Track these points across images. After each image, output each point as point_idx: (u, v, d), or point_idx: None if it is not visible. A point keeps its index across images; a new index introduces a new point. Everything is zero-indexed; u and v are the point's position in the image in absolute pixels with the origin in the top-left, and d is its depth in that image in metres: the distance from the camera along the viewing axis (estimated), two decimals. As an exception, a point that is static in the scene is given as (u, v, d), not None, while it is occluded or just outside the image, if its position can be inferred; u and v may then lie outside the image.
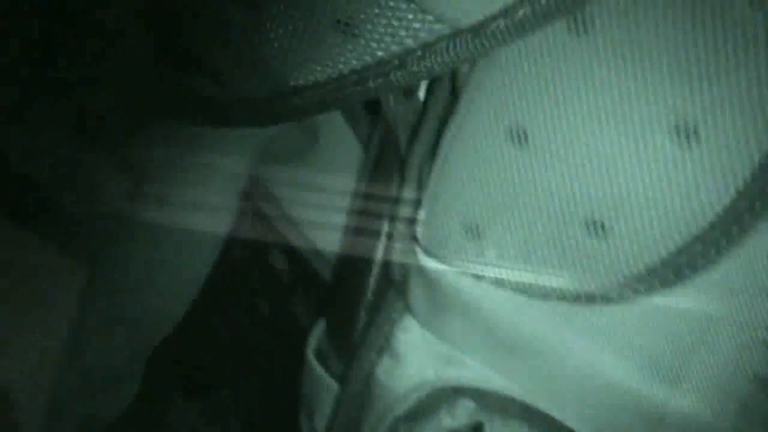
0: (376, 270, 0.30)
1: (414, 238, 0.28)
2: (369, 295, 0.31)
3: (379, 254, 0.30)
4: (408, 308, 0.30)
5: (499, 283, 0.27)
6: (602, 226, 0.25)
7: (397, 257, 0.29)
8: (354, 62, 0.26)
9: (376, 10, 0.25)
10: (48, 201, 0.40)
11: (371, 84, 0.25)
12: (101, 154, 0.40)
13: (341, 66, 0.26)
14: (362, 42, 0.25)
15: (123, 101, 0.37)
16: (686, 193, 0.24)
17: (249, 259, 0.38)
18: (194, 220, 0.37)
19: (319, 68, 0.26)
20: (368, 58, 0.25)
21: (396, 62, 0.25)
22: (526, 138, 0.25)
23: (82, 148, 0.41)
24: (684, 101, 0.23)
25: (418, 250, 0.28)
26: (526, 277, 0.26)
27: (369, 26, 0.25)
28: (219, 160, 0.37)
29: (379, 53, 0.25)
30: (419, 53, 0.24)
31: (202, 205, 0.37)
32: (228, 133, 0.36)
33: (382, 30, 0.25)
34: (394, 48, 0.25)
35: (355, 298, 0.31)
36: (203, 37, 0.29)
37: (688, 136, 0.23)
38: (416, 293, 0.29)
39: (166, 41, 0.31)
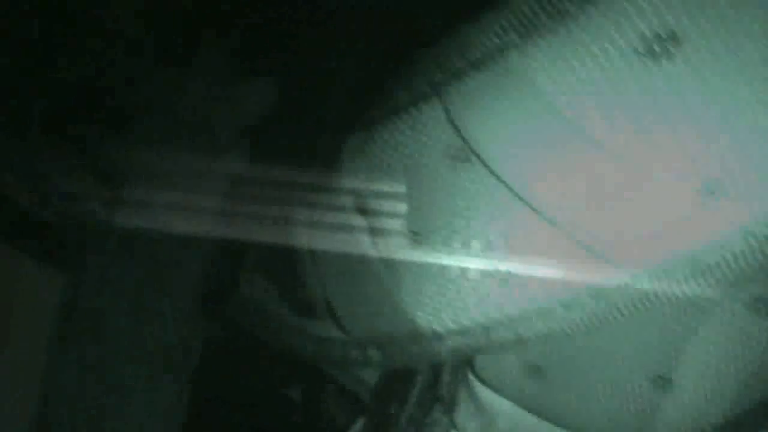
0: (420, 383, 0.30)
1: (468, 364, 0.28)
2: (411, 406, 0.30)
3: (425, 371, 0.29)
4: (453, 425, 0.29)
5: (556, 421, 0.26)
6: (669, 381, 0.25)
7: (447, 379, 0.29)
8: None
9: None
10: (25, 211, 0.39)
11: None
12: (79, 161, 0.39)
13: None
14: None
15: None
16: (759, 357, 0.24)
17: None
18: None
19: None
20: None
21: None
22: None
23: (61, 154, 0.40)
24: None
25: (472, 377, 0.27)
26: (586, 420, 0.26)
27: None
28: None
29: None
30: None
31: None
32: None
33: None
34: None
35: (396, 408, 0.30)
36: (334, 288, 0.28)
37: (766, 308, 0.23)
38: (464, 413, 0.29)
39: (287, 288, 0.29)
